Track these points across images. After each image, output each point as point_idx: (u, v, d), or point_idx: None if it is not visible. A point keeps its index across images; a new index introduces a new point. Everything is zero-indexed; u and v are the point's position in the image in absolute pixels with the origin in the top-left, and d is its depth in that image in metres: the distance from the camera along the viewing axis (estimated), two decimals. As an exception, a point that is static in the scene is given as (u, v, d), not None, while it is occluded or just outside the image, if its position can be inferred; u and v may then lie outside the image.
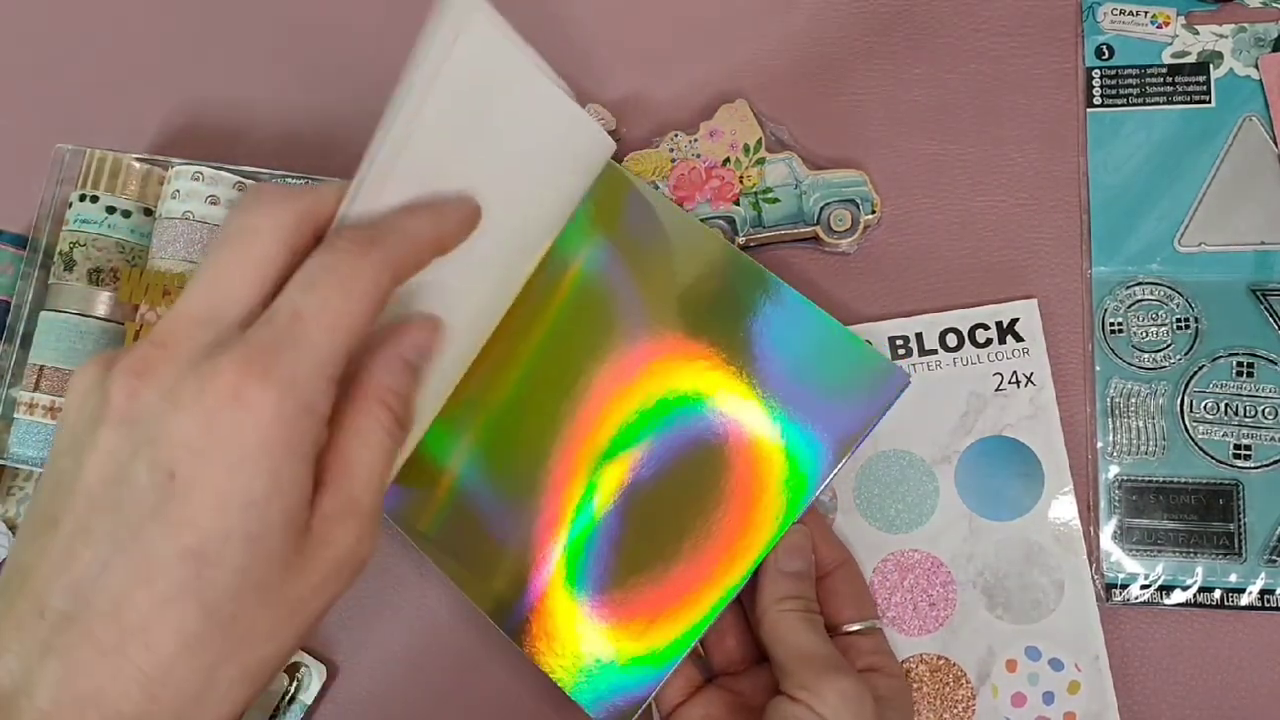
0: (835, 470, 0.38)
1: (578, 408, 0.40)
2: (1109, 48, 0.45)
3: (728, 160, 0.45)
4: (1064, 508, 0.42)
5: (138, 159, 0.47)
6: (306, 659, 0.45)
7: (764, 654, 0.39)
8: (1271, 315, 0.42)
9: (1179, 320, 0.43)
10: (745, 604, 0.40)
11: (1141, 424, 0.42)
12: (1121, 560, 0.42)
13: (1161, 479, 0.42)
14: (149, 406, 0.25)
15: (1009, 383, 0.43)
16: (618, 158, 0.44)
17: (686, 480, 0.39)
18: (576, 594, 0.39)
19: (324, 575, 0.27)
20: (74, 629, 0.25)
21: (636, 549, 0.39)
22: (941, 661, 0.42)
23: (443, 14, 0.31)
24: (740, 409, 0.38)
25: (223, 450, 0.25)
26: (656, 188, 0.45)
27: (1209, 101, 0.44)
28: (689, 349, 0.39)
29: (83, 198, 0.46)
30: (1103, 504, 0.42)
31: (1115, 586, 0.42)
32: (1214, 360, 0.42)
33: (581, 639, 0.39)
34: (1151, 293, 0.43)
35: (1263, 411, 0.42)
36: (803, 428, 0.38)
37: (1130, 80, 0.45)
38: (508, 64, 0.35)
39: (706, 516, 0.38)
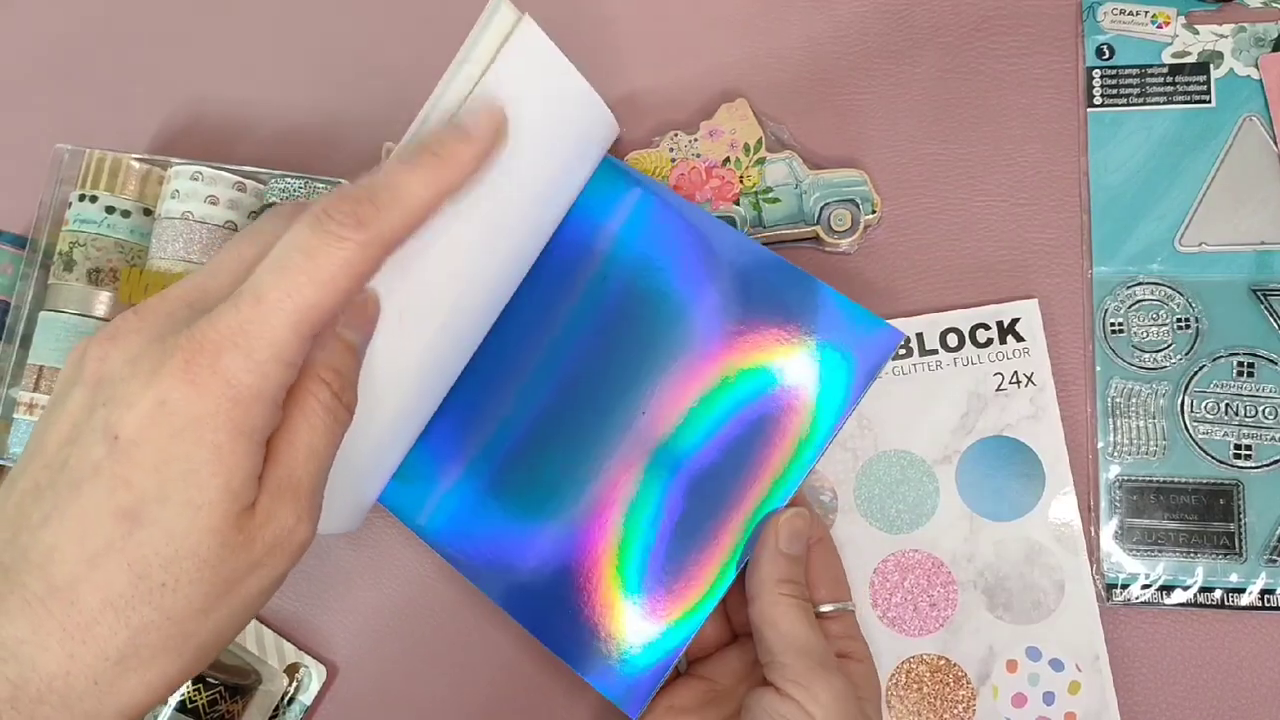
0: (839, 425, 0.38)
1: (630, 404, 0.39)
2: (1109, 47, 0.45)
3: (728, 160, 0.45)
4: (1064, 508, 0.42)
5: (137, 159, 0.47)
6: (306, 659, 0.45)
7: (736, 636, 0.39)
8: (1272, 315, 0.42)
9: (1179, 320, 0.43)
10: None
11: (1142, 424, 0.42)
12: (1122, 560, 0.42)
13: (1162, 479, 0.42)
14: (112, 370, 0.26)
15: (1010, 383, 0.43)
16: (619, 156, 0.44)
17: (733, 461, 0.39)
18: (626, 589, 0.39)
19: (262, 554, 0.27)
20: (6, 578, 0.25)
21: (686, 538, 0.38)
22: (942, 662, 0.42)
23: (490, 18, 0.32)
24: (765, 381, 0.39)
25: (167, 418, 0.25)
26: None
27: (1209, 101, 0.44)
28: (727, 335, 0.39)
29: (82, 198, 0.46)
30: (1103, 504, 0.42)
31: (1116, 586, 0.42)
32: (1214, 360, 0.42)
33: (624, 629, 0.38)
34: (1152, 293, 0.43)
35: (1263, 411, 0.42)
36: (818, 380, 0.38)
37: (1130, 80, 0.44)
38: (547, 63, 0.35)
39: (736, 486, 0.38)
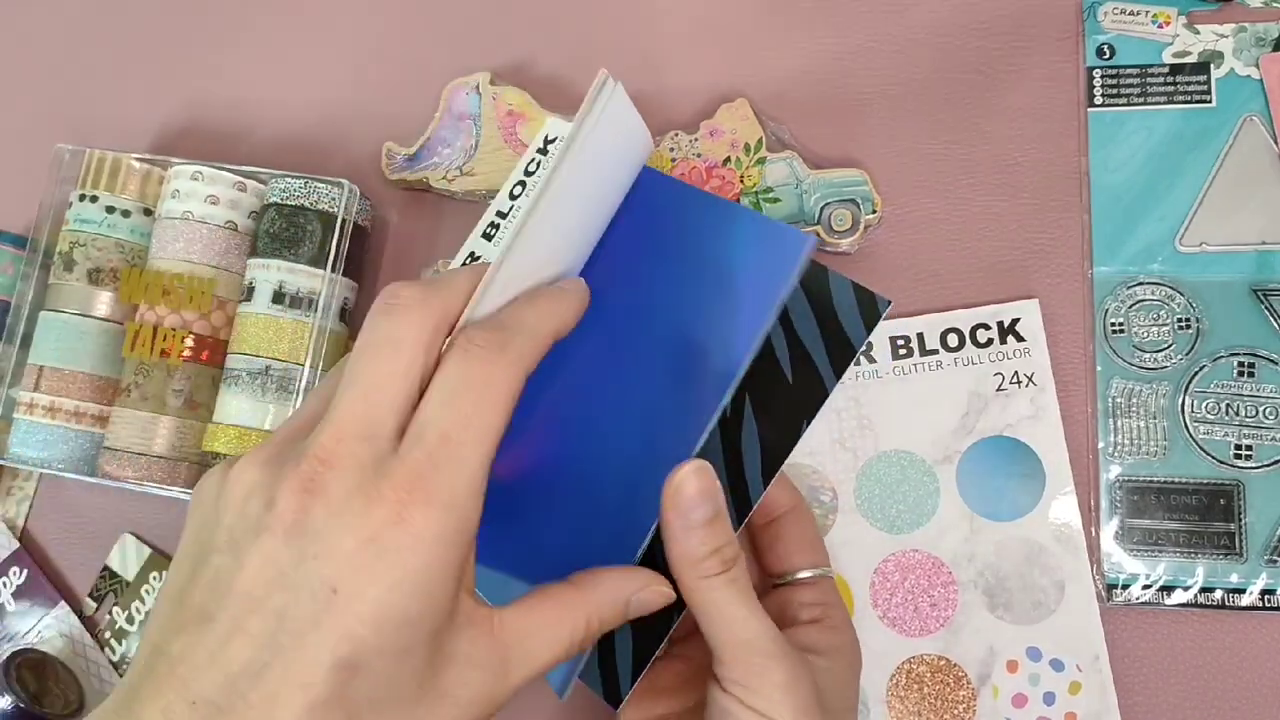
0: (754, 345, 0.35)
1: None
2: (1110, 47, 0.45)
3: (728, 160, 0.45)
4: (1065, 508, 0.42)
5: (137, 159, 0.47)
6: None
7: None
8: (1273, 315, 0.42)
9: (1180, 320, 0.43)
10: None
11: (1142, 424, 0.42)
12: (1122, 560, 0.42)
13: (1162, 479, 0.42)
14: (316, 522, 0.27)
15: (1010, 383, 0.43)
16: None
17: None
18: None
19: (454, 714, 0.28)
20: None
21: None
22: (942, 662, 0.42)
23: (596, 101, 0.32)
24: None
25: (385, 569, 0.26)
26: None
27: (1210, 101, 0.44)
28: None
29: (82, 198, 0.46)
30: (1104, 504, 0.42)
31: (1116, 587, 0.42)
32: (1215, 360, 0.42)
33: None
34: (1152, 293, 0.43)
35: (1264, 412, 0.42)
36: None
37: (1131, 80, 0.44)
38: (631, 130, 0.36)
39: None
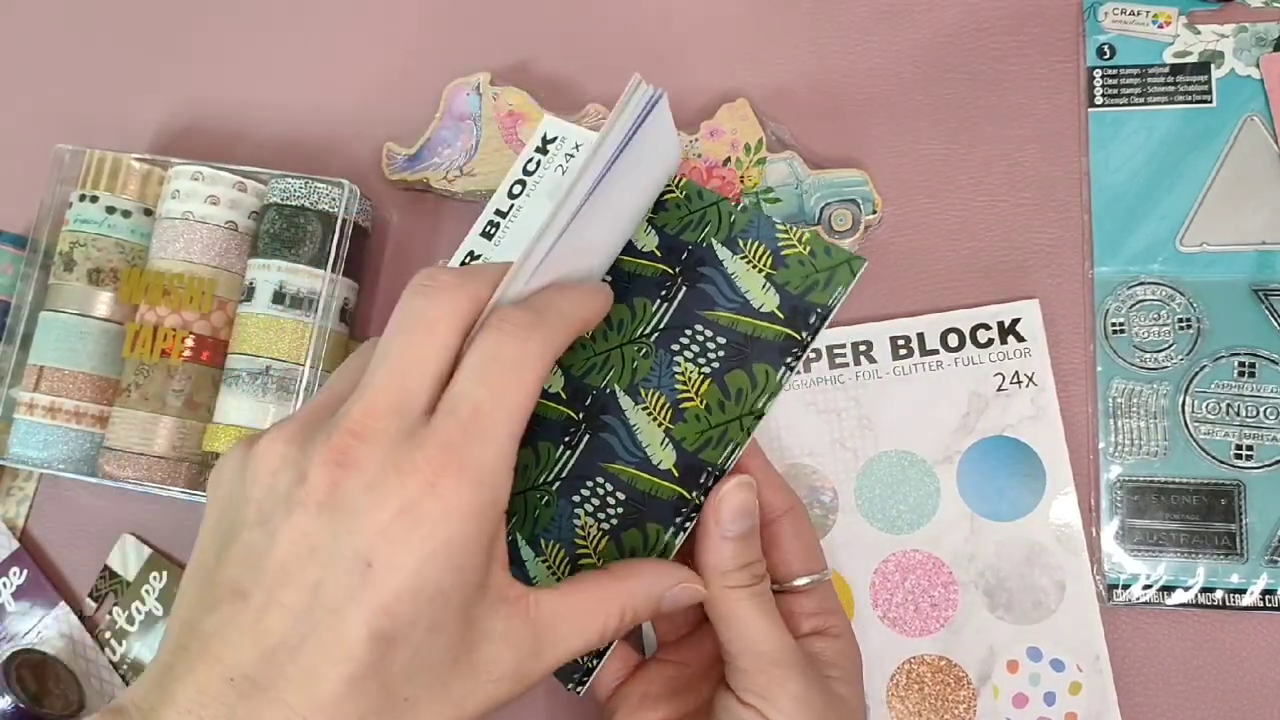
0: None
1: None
2: (1110, 47, 0.45)
3: (728, 160, 0.45)
4: (1065, 508, 0.42)
5: (138, 159, 0.47)
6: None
7: (706, 617, 0.37)
8: (1273, 315, 0.42)
9: (1180, 320, 0.43)
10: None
11: (1143, 424, 0.42)
12: (1123, 561, 0.42)
13: (1163, 479, 0.42)
14: (350, 496, 0.27)
15: (1010, 383, 0.43)
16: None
17: None
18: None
19: (488, 687, 0.28)
20: (263, 697, 0.26)
21: None
22: (943, 662, 0.42)
23: (629, 102, 0.32)
24: None
25: (419, 541, 0.26)
26: None
27: (1210, 101, 0.44)
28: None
29: (83, 198, 0.46)
30: (1104, 504, 0.42)
31: (1117, 587, 0.42)
32: (1215, 360, 0.42)
33: None
34: (1153, 293, 0.43)
35: (1264, 412, 0.42)
36: None
37: (1131, 80, 0.44)
38: (666, 136, 0.36)
39: None
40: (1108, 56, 0.45)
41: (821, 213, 0.44)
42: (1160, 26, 0.45)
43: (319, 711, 0.26)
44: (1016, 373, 0.43)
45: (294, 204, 0.44)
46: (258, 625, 0.26)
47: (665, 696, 0.37)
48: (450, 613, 0.27)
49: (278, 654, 0.26)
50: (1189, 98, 0.44)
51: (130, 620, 0.47)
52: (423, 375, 0.29)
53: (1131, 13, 0.45)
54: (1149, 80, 0.44)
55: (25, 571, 0.48)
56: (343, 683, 0.26)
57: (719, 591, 0.33)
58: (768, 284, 0.37)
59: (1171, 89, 0.44)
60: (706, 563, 0.34)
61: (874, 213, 0.44)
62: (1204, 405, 0.42)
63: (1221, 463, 0.42)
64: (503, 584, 0.29)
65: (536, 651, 0.29)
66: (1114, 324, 0.43)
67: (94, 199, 0.46)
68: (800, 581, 0.37)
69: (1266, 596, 0.41)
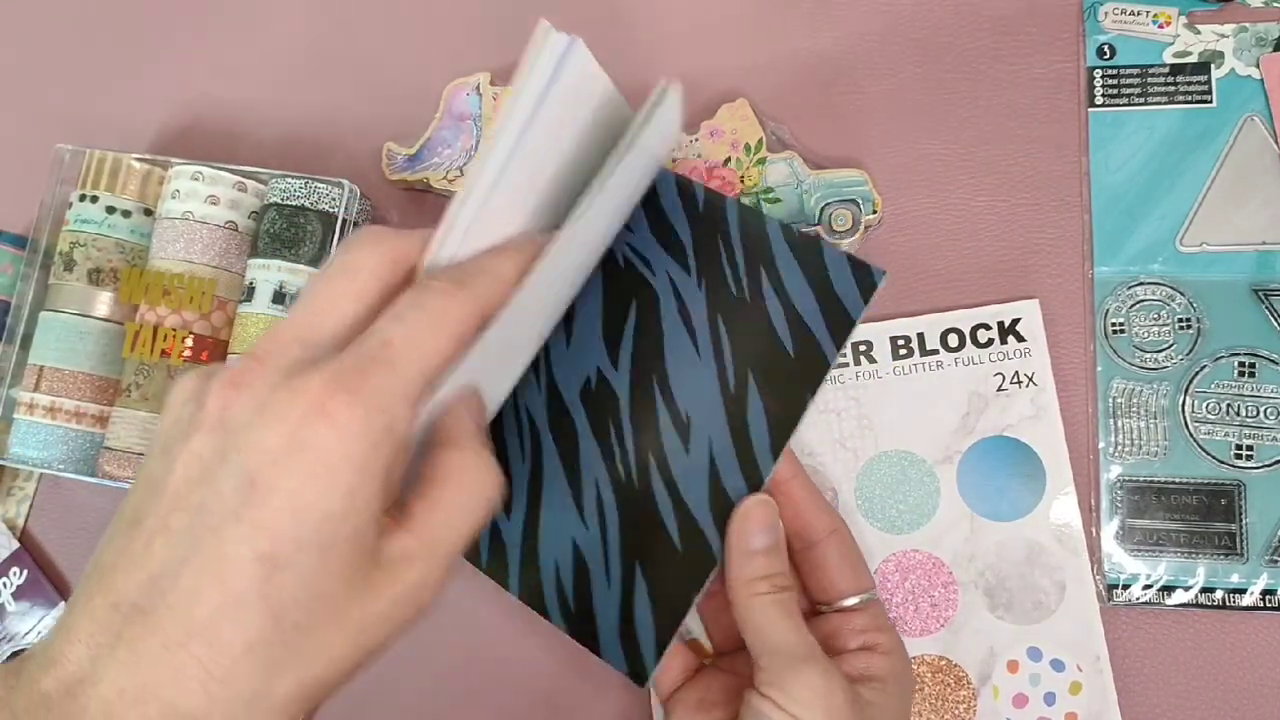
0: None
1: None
2: (1110, 47, 0.45)
3: (729, 160, 0.45)
4: (1065, 508, 0.42)
5: (138, 159, 0.47)
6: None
7: None
8: (1273, 315, 0.42)
9: (1181, 320, 0.43)
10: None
11: (1143, 424, 0.42)
12: (1123, 561, 0.42)
13: (1163, 479, 0.42)
14: (240, 415, 0.27)
15: (1010, 383, 0.43)
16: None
17: None
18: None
19: (389, 606, 0.28)
20: (145, 621, 0.25)
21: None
22: (943, 662, 0.42)
23: (542, 50, 0.32)
24: None
25: (305, 461, 0.26)
26: None
27: (1210, 101, 0.44)
28: None
29: (83, 198, 0.46)
30: (1104, 504, 0.42)
31: (1117, 587, 0.42)
32: (1216, 360, 0.42)
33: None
34: (1153, 293, 0.43)
35: (1264, 411, 0.42)
36: None
37: (1131, 80, 0.44)
38: (594, 88, 0.35)
39: None
40: (1108, 56, 0.45)
41: (821, 213, 0.44)
42: (1160, 26, 0.45)
43: (196, 636, 0.25)
44: (1016, 373, 0.43)
45: (294, 204, 0.44)
46: (147, 551, 0.26)
47: (720, 703, 0.38)
48: (340, 537, 0.26)
49: (162, 579, 0.25)
50: (1189, 98, 0.44)
51: (130, 620, 0.47)
52: (333, 312, 0.29)
53: (1131, 13, 0.45)
54: (1149, 80, 0.44)
55: (25, 571, 0.48)
56: (224, 605, 0.25)
57: (744, 600, 0.35)
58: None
59: (1171, 89, 0.44)
60: (731, 575, 0.36)
61: (874, 213, 0.44)
62: (1204, 405, 0.42)
63: (1222, 463, 0.42)
64: (393, 516, 0.28)
65: (431, 564, 0.29)
66: (1114, 324, 0.43)
67: (94, 199, 0.46)
68: (849, 601, 0.38)
69: (1266, 596, 0.41)
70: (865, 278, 0.37)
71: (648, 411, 0.39)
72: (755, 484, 0.37)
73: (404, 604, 0.28)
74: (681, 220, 0.40)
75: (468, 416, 0.31)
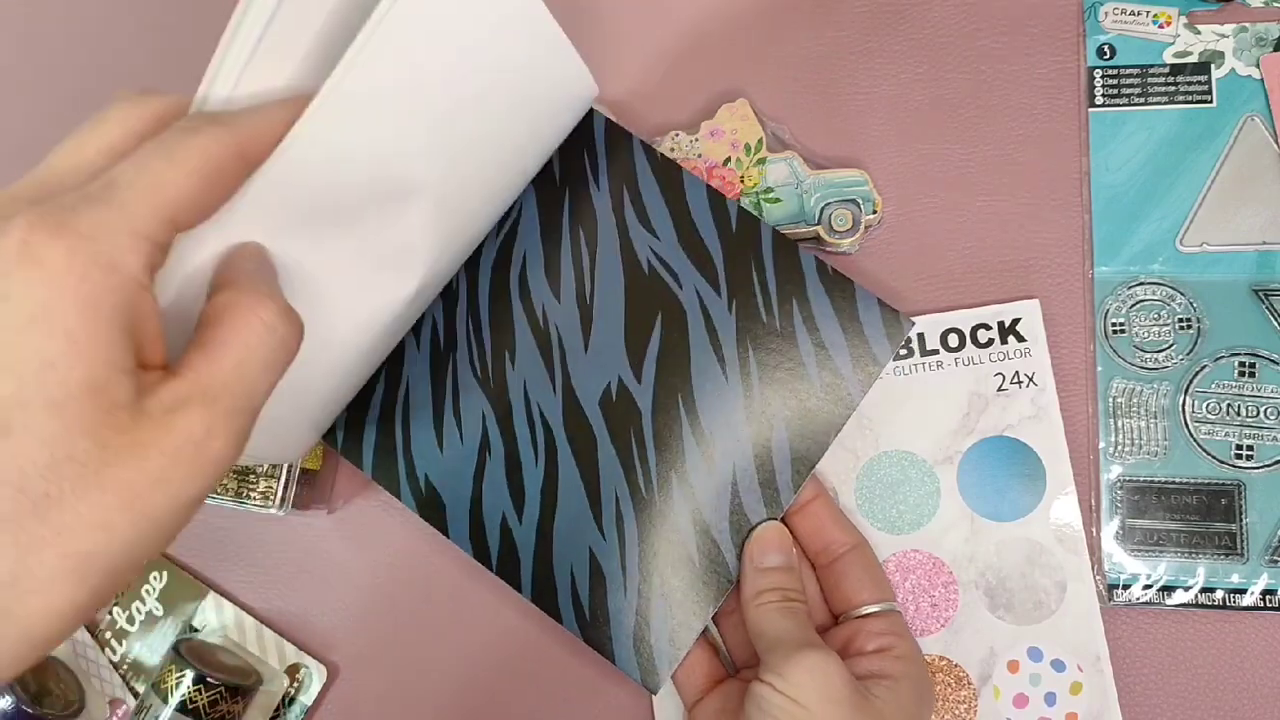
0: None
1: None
2: (1110, 47, 0.45)
3: (729, 160, 0.45)
4: (1066, 508, 0.42)
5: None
6: (307, 659, 0.45)
7: None
8: (1273, 315, 0.42)
9: (1181, 320, 0.43)
10: None
11: (1143, 424, 0.42)
12: (1123, 561, 0.42)
13: (1163, 479, 0.42)
14: None
15: (1011, 383, 0.43)
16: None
17: None
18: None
19: (163, 465, 0.25)
20: None
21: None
22: (943, 662, 0.42)
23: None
24: None
25: (11, 311, 0.23)
26: None
27: (1210, 101, 0.44)
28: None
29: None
30: (1104, 504, 0.42)
31: (1117, 587, 0.42)
32: (1216, 360, 0.42)
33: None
34: (1153, 293, 0.43)
35: (1265, 411, 0.42)
36: None
37: (1132, 80, 0.44)
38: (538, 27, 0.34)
39: None
40: (1108, 56, 0.45)
41: (821, 213, 0.44)
42: (1160, 26, 0.45)
43: None
44: (1017, 373, 0.43)
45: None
46: None
47: (738, 711, 0.38)
48: (74, 389, 0.23)
49: None
50: (1189, 98, 0.44)
51: (130, 620, 0.47)
52: (72, 160, 0.27)
53: (1131, 13, 0.45)
54: (1149, 80, 0.44)
55: None
56: None
57: (753, 610, 0.37)
58: None
59: (1171, 89, 0.44)
60: (744, 592, 0.38)
61: (874, 213, 0.44)
62: (1204, 405, 0.42)
63: (1222, 463, 0.42)
64: (155, 370, 0.26)
65: (213, 415, 0.26)
66: (1114, 324, 0.43)
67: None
68: (869, 609, 0.39)
69: (1267, 596, 0.41)
70: (894, 325, 0.39)
71: (670, 429, 0.40)
72: (775, 512, 0.39)
73: (185, 459, 0.25)
74: (712, 234, 0.40)
75: (248, 260, 0.29)
